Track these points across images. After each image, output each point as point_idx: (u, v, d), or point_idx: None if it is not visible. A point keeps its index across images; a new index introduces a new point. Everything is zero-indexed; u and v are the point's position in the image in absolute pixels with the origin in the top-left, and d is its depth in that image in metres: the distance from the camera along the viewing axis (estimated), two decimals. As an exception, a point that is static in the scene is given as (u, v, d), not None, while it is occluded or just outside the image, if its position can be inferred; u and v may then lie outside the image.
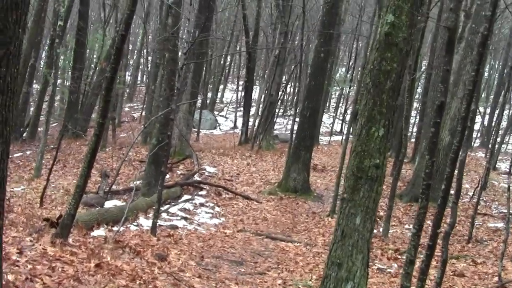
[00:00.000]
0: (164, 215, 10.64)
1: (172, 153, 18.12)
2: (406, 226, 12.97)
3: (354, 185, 4.74)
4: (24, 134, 25.40)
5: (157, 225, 9.34)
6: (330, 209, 13.56)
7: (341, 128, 38.27)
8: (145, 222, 9.29)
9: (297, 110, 19.60)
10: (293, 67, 31.68)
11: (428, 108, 15.74)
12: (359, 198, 4.72)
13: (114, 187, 14.40)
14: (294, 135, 16.03)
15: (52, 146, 20.89)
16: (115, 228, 7.93)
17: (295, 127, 16.29)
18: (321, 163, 21.56)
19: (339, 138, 34.38)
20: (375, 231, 11.09)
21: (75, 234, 6.71)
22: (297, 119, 16.71)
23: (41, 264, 4.98)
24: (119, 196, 12.92)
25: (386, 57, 4.69)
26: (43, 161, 17.63)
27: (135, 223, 9.05)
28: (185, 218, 10.88)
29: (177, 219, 10.55)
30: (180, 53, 12.63)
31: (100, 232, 7.66)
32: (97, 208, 9.64)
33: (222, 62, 48.87)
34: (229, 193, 14.75)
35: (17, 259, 4.97)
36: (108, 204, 11.63)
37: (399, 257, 9.63)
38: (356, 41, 41.08)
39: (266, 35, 38.83)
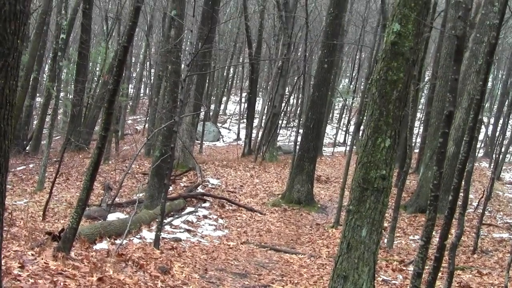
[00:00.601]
0: (167, 227, 10.57)
1: (175, 165, 18.05)
2: (411, 237, 12.85)
3: (360, 197, 4.68)
4: (27, 148, 25.42)
5: (160, 237, 9.26)
6: (334, 221, 13.47)
7: (345, 139, 38.21)
8: (148, 235, 9.21)
9: (301, 122, 19.51)
10: (296, 78, 31.65)
11: (432, 118, 15.64)
12: (365, 209, 4.65)
13: (117, 199, 14.34)
14: (297, 147, 15.98)
15: (55, 159, 20.85)
16: (118, 241, 7.85)
17: (299, 138, 16.24)
18: (325, 174, 21.49)
19: (342, 149, 34.31)
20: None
21: (77, 248, 6.64)
22: (300, 131, 16.63)
23: (43, 279, 4.91)
24: (122, 209, 12.85)
25: (393, 66, 4.63)
26: (46, 174, 17.60)
27: (138, 236, 8.96)
28: (189, 231, 10.79)
29: (180, 232, 10.47)
30: (183, 65, 12.60)
31: (103, 245, 7.58)
32: (100, 221, 9.58)
33: (225, 74, 48.94)
34: (233, 205, 14.67)
35: (19, 273, 4.90)
36: (111, 217, 11.56)
37: (404, 268, 9.53)
38: (359, 52, 41.10)
39: (269, 47, 38.91)
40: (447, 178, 13.95)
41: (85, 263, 5.71)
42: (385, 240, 11.67)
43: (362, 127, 4.83)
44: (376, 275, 7.63)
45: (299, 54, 36.73)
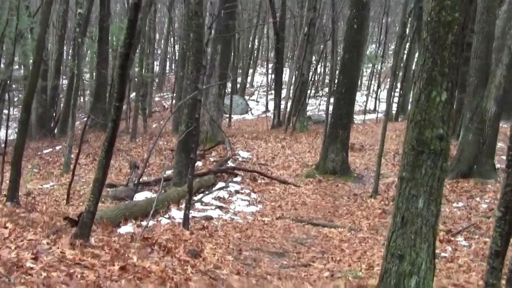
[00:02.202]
0: (197, 205, 10.00)
1: (203, 140, 17.52)
2: (455, 205, 12.06)
3: (414, 161, 3.98)
4: (55, 130, 25.18)
5: (190, 216, 8.72)
6: (372, 190, 12.78)
7: (375, 106, 37.31)
8: (178, 214, 8.65)
9: (332, 88, 18.74)
10: (322, 46, 30.69)
11: (471, 77, 14.69)
12: (420, 176, 3.96)
13: (145, 178, 13.88)
14: (329, 114, 15.23)
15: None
16: (144, 223, 7.31)
17: (330, 107, 15.49)
18: (358, 142, 20.62)
19: (373, 116, 33.49)
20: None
21: (99, 233, 6.11)
22: (331, 99, 15.87)
23: (58, 271, 4.36)
24: (150, 188, 12.36)
25: (446, 5, 3.88)
26: (72, 156, 17.25)
27: (166, 216, 8.40)
28: (220, 207, 10.22)
29: (211, 209, 9.90)
30: (205, 28, 11.89)
31: (127, 228, 7.04)
32: (125, 202, 9.04)
33: (250, 45, 48.21)
34: (265, 178, 14.08)
35: (31, 266, 4.36)
36: (139, 196, 11.08)
37: (453, 239, 8.82)
38: (386, 16, 39.83)
39: (293, 15, 38.07)
40: (489, 140, 13.12)
41: (106, 250, 5.17)
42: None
43: (414, 80, 4.03)
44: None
45: (323, 21, 35.87)
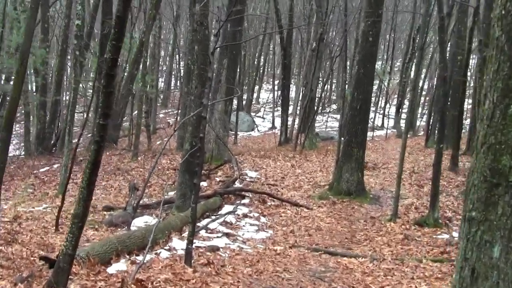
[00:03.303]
0: (202, 232, 9.02)
1: (209, 158, 16.60)
2: None
3: (488, 197, 3.02)
4: (55, 147, 24.28)
5: (194, 247, 7.76)
6: (391, 213, 11.80)
7: (382, 123, 36.60)
8: (179, 244, 7.65)
9: (344, 104, 17.83)
10: (334, 58, 29.81)
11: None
12: (496, 217, 3.00)
13: (145, 200, 12.94)
14: (340, 131, 14.29)
15: (80, 158, 19.59)
16: (140, 258, 6.32)
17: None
18: (371, 160, 19.66)
19: (381, 132, 32.79)
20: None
21: (82, 276, 5.14)
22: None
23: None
24: (151, 211, 11.38)
25: (530, -8, 2.97)
26: (71, 175, 16.32)
27: (167, 247, 7.38)
28: (227, 234, 9.23)
29: (217, 237, 8.90)
30: (211, 38, 11.02)
31: (120, 265, 6.01)
32: (118, 233, 7.98)
33: (256, 62, 47.58)
34: (275, 200, 13.11)
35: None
36: (138, 221, 10.12)
37: None
38: (394, 32, 39.12)
39: (300, 31, 37.49)
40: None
41: (90, 300, 4.21)
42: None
43: (483, 91, 3.27)
44: None
45: (329, 37, 35.28)
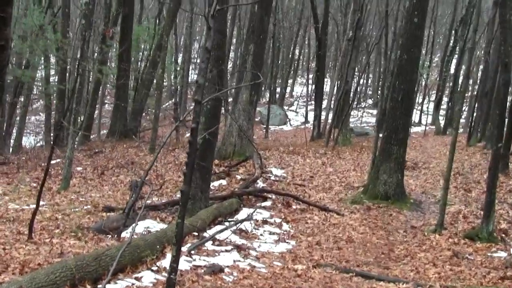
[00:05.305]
0: (208, 245, 7.37)
1: (230, 153, 15.08)
2: None
3: None
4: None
5: (192, 266, 6.19)
6: (437, 223, 10.05)
7: (420, 119, 34.91)
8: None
9: (384, 95, 16.06)
10: (364, 58, 28.02)
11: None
12: None
13: (155, 199, 11.45)
14: (378, 127, 12.53)
15: (96, 150, 18.26)
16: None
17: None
18: (410, 159, 17.76)
19: (418, 129, 31.20)
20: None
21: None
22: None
23: None
24: (157, 213, 9.85)
25: None
26: (79, 169, 14.98)
27: (155, 267, 5.76)
28: (239, 248, 7.57)
29: (226, 250, 7.23)
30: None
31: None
32: (77, 255, 5.97)
33: (290, 55, 46.10)
34: (301, 203, 11.47)
35: None
36: (139, 225, 8.58)
37: None
38: (434, 25, 37.11)
39: (336, 22, 36.23)
40: None
41: None
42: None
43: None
44: None
45: (366, 30, 33.71)
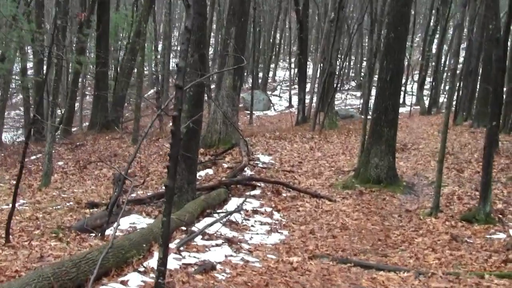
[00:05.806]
0: (198, 239, 6.99)
1: (216, 141, 14.66)
2: None
3: None
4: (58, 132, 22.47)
5: (181, 264, 5.81)
6: (432, 206, 9.74)
7: (404, 99, 34.62)
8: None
9: (371, 75, 15.68)
10: (352, 32, 27.60)
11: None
12: None
13: (140, 192, 11.03)
14: (365, 108, 12.15)
15: (78, 143, 17.73)
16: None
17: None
18: (399, 140, 17.40)
19: (403, 110, 30.86)
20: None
21: None
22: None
23: None
24: (142, 208, 9.44)
25: None
26: (61, 163, 14.47)
27: (142, 268, 5.39)
28: (230, 241, 7.19)
29: (217, 245, 6.86)
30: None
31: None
32: (58, 261, 5.50)
33: (271, 39, 45.58)
34: (291, 190, 11.12)
35: None
36: (124, 221, 8.18)
37: None
38: (414, 5, 36.82)
39: (317, 3, 35.75)
40: None
41: None
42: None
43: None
44: None
45: (348, 9, 33.29)
